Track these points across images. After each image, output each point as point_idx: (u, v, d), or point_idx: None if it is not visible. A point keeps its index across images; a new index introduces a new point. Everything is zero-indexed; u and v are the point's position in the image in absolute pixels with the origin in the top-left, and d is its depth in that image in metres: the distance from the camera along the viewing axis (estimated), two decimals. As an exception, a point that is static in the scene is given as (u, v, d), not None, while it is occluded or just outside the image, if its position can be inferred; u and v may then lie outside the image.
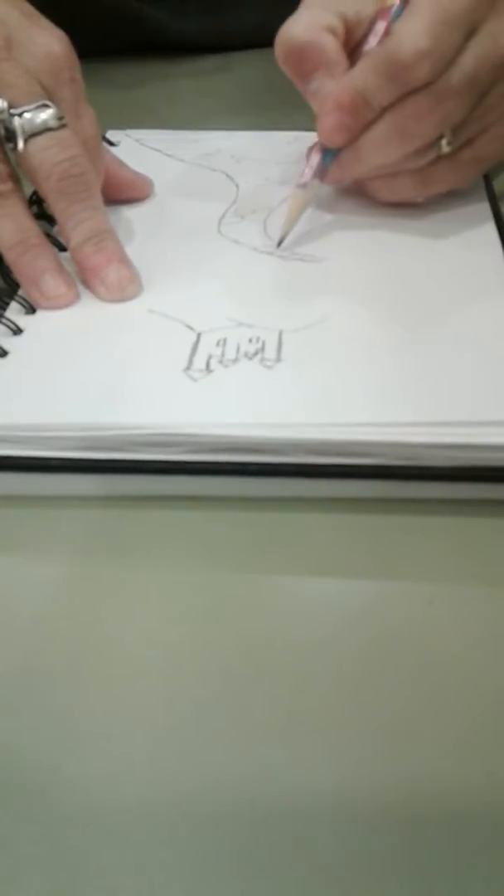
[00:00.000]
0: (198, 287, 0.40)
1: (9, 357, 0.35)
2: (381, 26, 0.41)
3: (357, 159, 0.41)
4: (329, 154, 0.42)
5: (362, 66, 0.39)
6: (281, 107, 0.58)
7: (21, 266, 0.39)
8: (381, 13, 0.41)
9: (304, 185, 0.42)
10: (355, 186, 0.45)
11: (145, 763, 0.25)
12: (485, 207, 0.45)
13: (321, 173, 0.42)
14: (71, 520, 0.32)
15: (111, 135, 0.53)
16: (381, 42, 0.40)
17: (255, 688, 0.27)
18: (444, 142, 0.41)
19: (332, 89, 0.40)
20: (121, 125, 0.55)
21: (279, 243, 0.42)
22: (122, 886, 0.22)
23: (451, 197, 0.45)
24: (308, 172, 0.42)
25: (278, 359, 0.35)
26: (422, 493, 0.32)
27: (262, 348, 0.35)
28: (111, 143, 0.52)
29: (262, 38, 0.69)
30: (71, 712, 0.26)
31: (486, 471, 0.31)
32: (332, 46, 0.41)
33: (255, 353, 0.35)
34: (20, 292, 0.39)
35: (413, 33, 0.38)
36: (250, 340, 0.36)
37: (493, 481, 0.31)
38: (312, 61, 0.41)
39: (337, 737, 0.25)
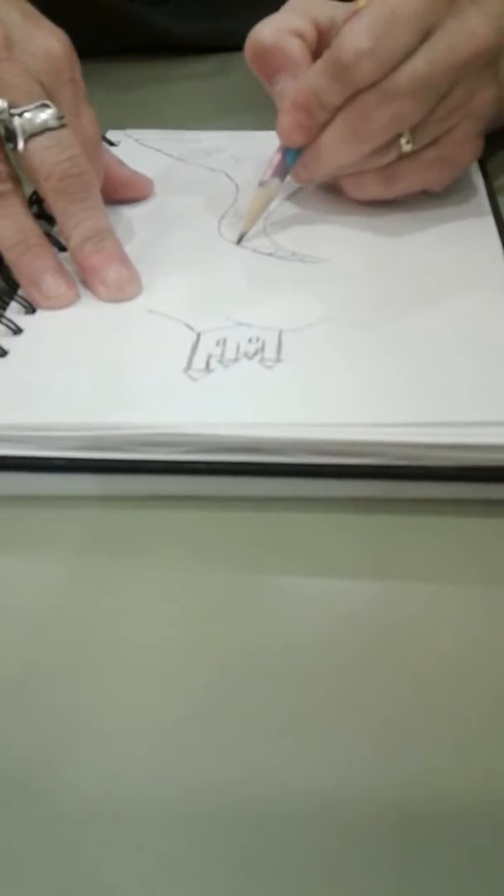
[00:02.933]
0: (198, 287, 0.40)
1: (9, 357, 0.35)
2: None
3: (317, 159, 0.42)
4: (290, 154, 0.42)
5: (315, 67, 0.40)
6: (281, 107, 0.58)
7: (21, 266, 0.39)
8: (352, 16, 0.41)
9: (263, 184, 0.43)
10: (331, 185, 0.45)
11: (145, 763, 0.25)
12: (484, 206, 0.45)
13: (281, 172, 0.43)
14: (71, 520, 0.32)
15: (111, 135, 0.53)
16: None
17: (254, 687, 0.27)
18: (402, 140, 0.41)
19: (289, 90, 0.41)
20: (121, 125, 0.55)
21: (239, 240, 0.43)
22: (122, 886, 0.22)
23: (451, 197, 0.45)
24: (268, 171, 0.43)
25: (278, 359, 0.35)
26: (422, 493, 0.32)
27: (262, 348, 0.35)
28: (111, 143, 0.52)
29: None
30: (71, 712, 0.26)
31: (486, 471, 0.31)
32: (296, 50, 0.42)
33: (255, 353, 0.35)
34: (20, 292, 0.39)
35: (354, 33, 0.38)
36: (250, 340, 0.36)
37: (493, 481, 0.31)
38: (277, 63, 0.42)
39: (337, 737, 0.25)
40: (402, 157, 0.42)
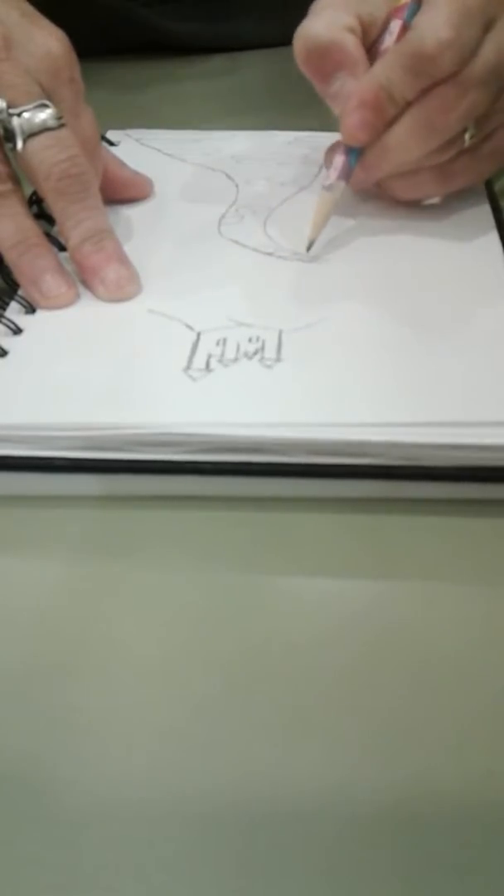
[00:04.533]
0: (197, 287, 0.40)
1: (9, 357, 0.35)
2: (395, 25, 0.41)
3: (382, 157, 0.41)
4: (353, 154, 0.41)
5: (385, 61, 0.39)
6: (281, 107, 0.58)
7: (21, 266, 0.39)
8: (394, 12, 0.41)
9: (329, 187, 0.41)
10: (374, 187, 0.45)
11: (145, 763, 0.25)
12: (485, 208, 0.45)
13: (346, 174, 0.42)
14: (71, 520, 0.32)
15: (111, 135, 0.53)
16: (398, 39, 0.40)
17: (254, 687, 0.27)
18: (467, 135, 0.41)
19: (354, 88, 0.40)
20: (121, 125, 0.55)
21: (308, 248, 0.41)
22: (122, 886, 0.22)
23: (451, 197, 0.45)
24: (333, 174, 0.41)
25: (278, 358, 0.35)
26: (422, 493, 0.32)
27: (262, 348, 0.35)
28: (111, 143, 0.52)
29: (261, 40, 0.69)
30: (71, 712, 0.26)
31: (485, 471, 0.31)
32: (353, 46, 0.40)
33: (255, 353, 0.35)
34: (20, 292, 0.39)
35: (435, 25, 0.38)
36: (250, 340, 0.36)
37: (493, 481, 0.31)
38: (334, 61, 0.40)
39: (337, 737, 0.25)
40: (460, 152, 0.41)
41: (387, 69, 0.39)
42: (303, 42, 0.41)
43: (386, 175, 0.43)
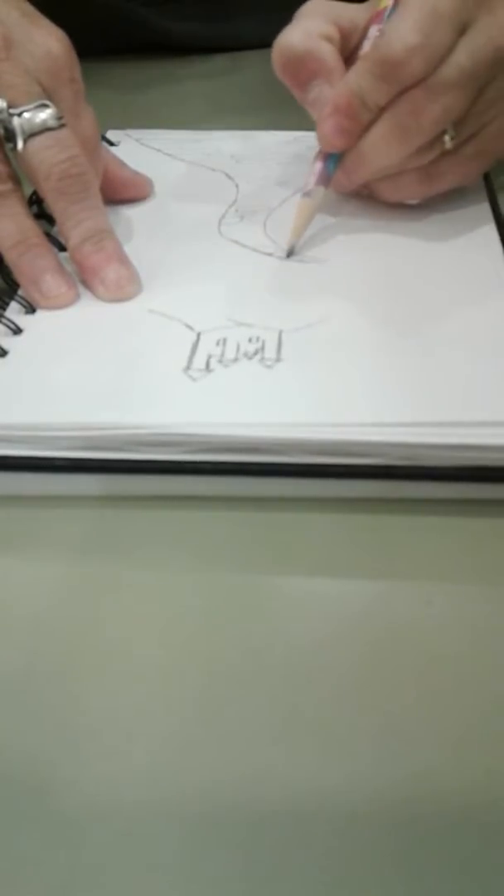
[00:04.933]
0: (198, 287, 0.40)
1: (9, 357, 0.35)
2: (374, 31, 0.41)
3: (360, 162, 0.41)
4: (332, 159, 0.42)
5: (356, 68, 0.40)
6: (281, 107, 0.58)
7: (21, 266, 0.39)
8: (374, 18, 0.42)
9: (308, 193, 0.42)
10: (360, 189, 0.45)
11: (145, 763, 0.25)
12: (485, 208, 0.45)
13: (325, 180, 0.42)
14: (71, 520, 0.32)
15: (111, 135, 0.53)
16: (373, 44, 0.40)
17: (255, 687, 0.27)
18: (446, 137, 0.41)
19: (329, 95, 0.40)
20: (121, 125, 0.55)
21: (288, 253, 0.42)
22: (122, 886, 0.22)
23: (451, 197, 0.45)
24: (311, 180, 0.42)
25: (278, 359, 0.35)
26: (422, 493, 0.32)
27: (262, 348, 0.35)
28: (111, 143, 0.52)
29: (261, 40, 0.69)
30: (70, 712, 0.26)
31: (485, 471, 0.31)
32: (329, 54, 0.41)
33: (255, 353, 0.35)
34: (20, 292, 0.39)
35: (402, 30, 0.38)
36: (250, 340, 0.36)
37: (493, 481, 0.31)
38: (310, 70, 0.41)
39: (337, 737, 0.25)
40: (443, 154, 0.42)
41: (358, 76, 0.39)
42: (279, 52, 0.42)
43: (367, 178, 0.43)
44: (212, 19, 0.69)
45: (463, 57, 0.39)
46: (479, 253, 0.42)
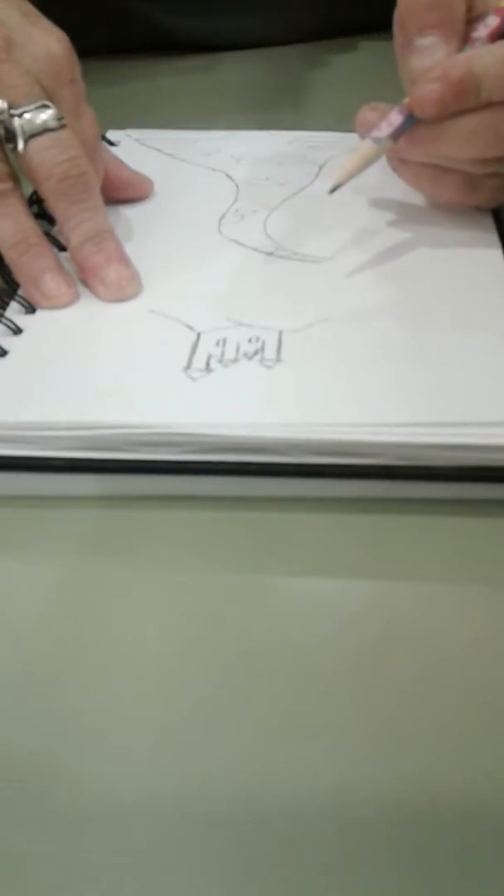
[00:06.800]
0: (198, 287, 0.40)
1: (9, 357, 0.35)
2: (493, 20, 0.40)
3: (434, 140, 0.39)
4: (409, 121, 0.39)
5: (490, 51, 0.38)
6: (281, 107, 0.58)
7: (21, 266, 0.39)
8: (497, 10, 0.40)
9: (377, 140, 0.39)
10: (397, 165, 0.43)
11: (145, 763, 0.25)
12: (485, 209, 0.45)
13: (397, 135, 0.39)
14: (71, 520, 0.32)
15: (111, 135, 0.53)
16: (491, 34, 0.39)
17: (254, 688, 0.27)
18: None
19: (441, 57, 0.39)
20: (121, 125, 0.55)
21: (332, 190, 0.40)
22: (122, 886, 0.22)
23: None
24: (386, 128, 0.39)
25: (278, 359, 0.35)
26: (422, 493, 0.32)
27: (262, 348, 0.35)
28: (111, 143, 0.52)
29: (263, 38, 0.69)
30: (71, 712, 0.26)
31: (485, 471, 0.31)
32: (459, 11, 0.39)
33: (255, 353, 0.35)
34: (20, 292, 0.39)
35: None
36: (250, 340, 0.36)
37: (493, 481, 0.31)
38: (435, 18, 0.39)
39: (337, 737, 0.25)
40: (496, 172, 0.41)
41: (487, 60, 0.38)
42: None
43: (426, 158, 0.41)
44: (213, 17, 0.69)
45: None
46: (479, 253, 0.42)
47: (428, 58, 0.39)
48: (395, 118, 0.39)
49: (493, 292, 0.39)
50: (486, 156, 0.40)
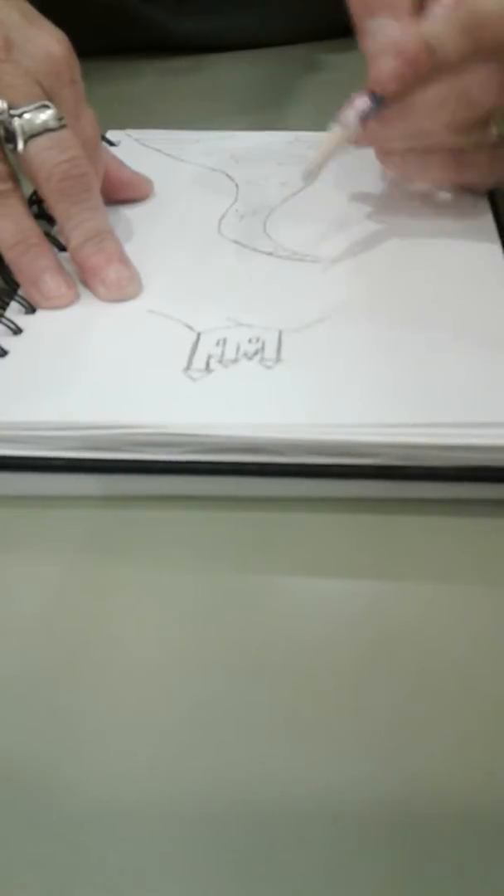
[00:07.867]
0: (198, 287, 0.40)
1: (9, 357, 0.35)
2: None
3: (401, 116, 0.39)
4: (377, 103, 0.39)
5: (436, 18, 0.38)
6: (281, 107, 0.58)
7: (21, 266, 0.39)
8: None
9: (344, 126, 0.39)
10: (383, 158, 0.43)
11: (145, 763, 0.25)
12: (485, 207, 0.45)
13: (364, 116, 0.39)
14: (71, 520, 0.32)
15: (111, 135, 0.53)
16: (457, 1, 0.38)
17: (255, 688, 0.27)
18: (494, 129, 0.39)
19: (394, 34, 0.38)
20: (121, 125, 0.55)
21: (305, 177, 0.40)
22: (122, 886, 0.22)
23: (451, 196, 0.45)
24: (351, 113, 0.39)
25: (278, 359, 0.35)
26: (422, 493, 0.32)
27: (262, 348, 0.35)
28: (111, 143, 0.52)
29: (263, 38, 0.69)
30: (71, 712, 0.26)
31: (485, 471, 0.31)
32: None
33: (255, 353, 0.35)
34: (20, 292, 0.39)
35: None
36: (250, 340, 0.36)
37: (492, 481, 0.31)
38: (381, 1, 0.39)
39: (337, 737, 0.25)
40: (482, 146, 0.41)
41: (438, 27, 0.37)
42: None
43: (400, 137, 0.41)
44: (213, 17, 0.69)
45: None
46: (479, 253, 0.42)
47: (381, 37, 0.39)
48: (360, 102, 0.39)
49: (493, 291, 0.39)
50: (457, 121, 0.39)
